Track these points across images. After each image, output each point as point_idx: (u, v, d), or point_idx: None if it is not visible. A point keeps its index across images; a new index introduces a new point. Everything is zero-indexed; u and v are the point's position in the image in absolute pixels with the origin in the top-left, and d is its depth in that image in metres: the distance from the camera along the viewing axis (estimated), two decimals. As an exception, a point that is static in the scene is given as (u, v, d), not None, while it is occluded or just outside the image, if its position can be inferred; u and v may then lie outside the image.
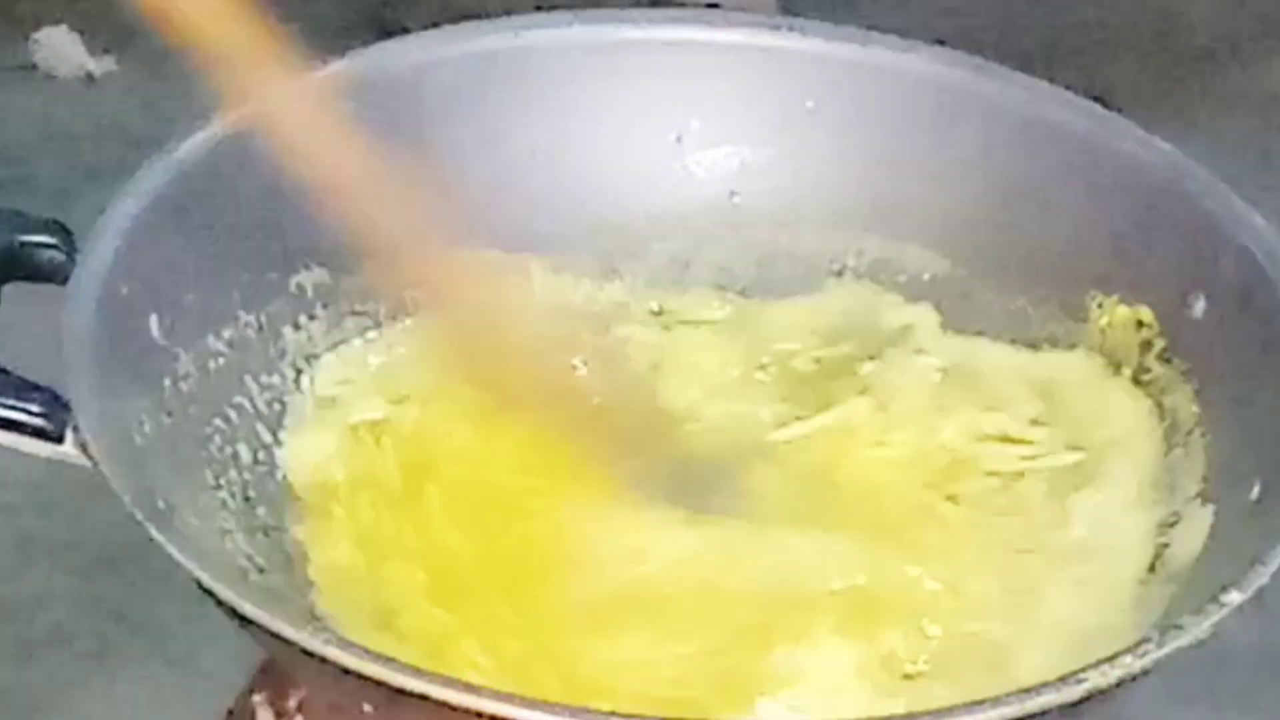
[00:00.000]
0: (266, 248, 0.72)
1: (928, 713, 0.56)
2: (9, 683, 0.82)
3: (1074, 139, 0.75)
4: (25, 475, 0.85)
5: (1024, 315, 0.75)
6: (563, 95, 0.77)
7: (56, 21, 1.21)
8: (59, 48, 1.21)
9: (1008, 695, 0.56)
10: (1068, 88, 0.77)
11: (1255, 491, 0.64)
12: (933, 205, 0.77)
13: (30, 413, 0.62)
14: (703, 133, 0.78)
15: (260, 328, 0.71)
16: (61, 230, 0.68)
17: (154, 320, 0.67)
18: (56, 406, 0.62)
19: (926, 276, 0.77)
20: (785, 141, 0.78)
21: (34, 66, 1.20)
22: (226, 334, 0.70)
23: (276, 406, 0.71)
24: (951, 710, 0.56)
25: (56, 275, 0.67)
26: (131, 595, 0.84)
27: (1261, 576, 0.59)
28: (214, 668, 0.74)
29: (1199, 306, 0.70)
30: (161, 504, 0.60)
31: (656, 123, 0.78)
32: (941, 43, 0.78)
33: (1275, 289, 0.68)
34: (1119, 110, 0.75)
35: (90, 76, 1.19)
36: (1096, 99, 0.76)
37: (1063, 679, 0.56)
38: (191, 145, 0.71)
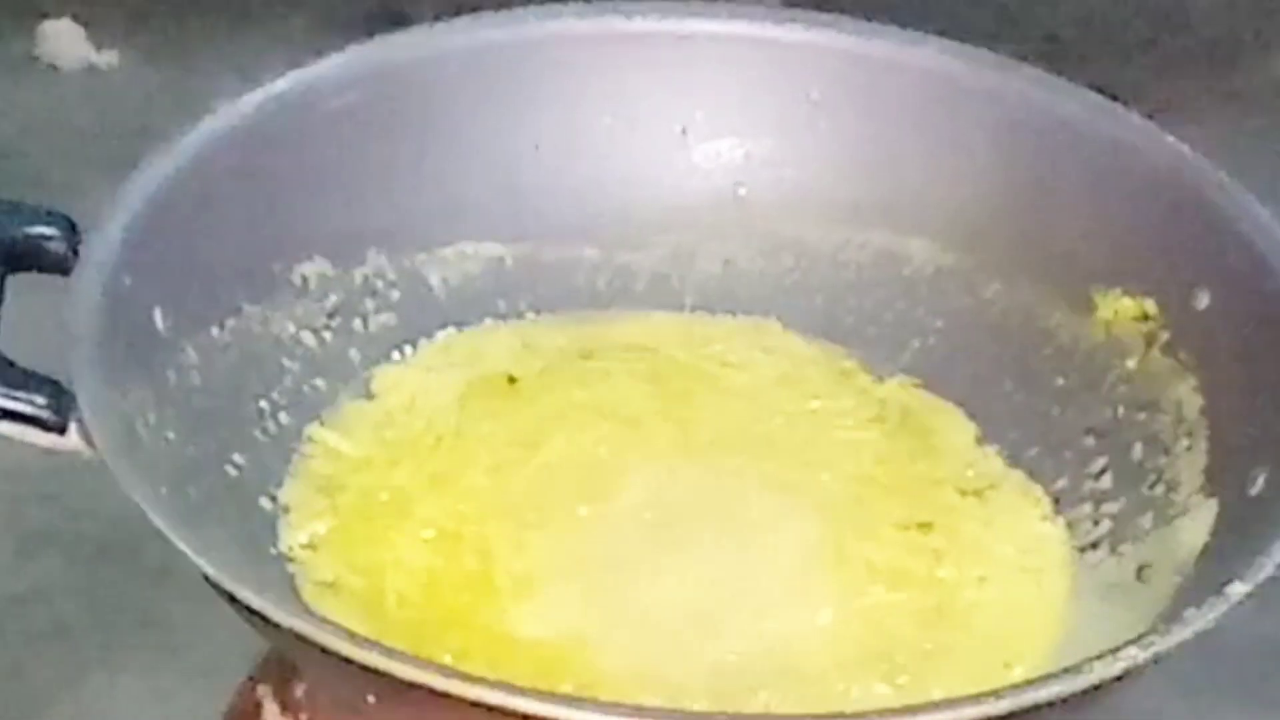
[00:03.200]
0: (270, 239, 0.72)
1: (931, 705, 0.56)
2: (11, 676, 0.82)
3: (1079, 131, 0.75)
4: (27, 468, 0.85)
5: (1028, 309, 0.75)
6: (567, 87, 0.77)
7: (60, 14, 1.21)
8: (62, 40, 1.21)
9: (1011, 687, 0.56)
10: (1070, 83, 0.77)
11: (1259, 484, 0.64)
12: (937, 198, 0.76)
13: (34, 404, 0.62)
14: (707, 125, 0.78)
15: (265, 319, 0.72)
16: (65, 222, 0.68)
17: (158, 312, 0.67)
18: (60, 398, 0.62)
19: (931, 269, 0.77)
20: (790, 134, 0.78)
21: (37, 58, 1.19)
22: (230, 325, 0.70)
23: (283, 398, 0.71)
24: (954, 703, 0.56)
25: (60, 267, 0.67)
26: (135, 588, 0.84)
27: (1265, 568, 0.59)
28: (218, 661, 0.74)
29: (1203, 299, 0.70)
30: (165, 494, 0.60)
31: (661, 115, 0.78)
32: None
33: (1278, 281, 0.68)
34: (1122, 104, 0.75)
35: (94, 68, 1.19)
36: (1099, 92, 0.76)
37: (1067, 670, 0.56)
38: (196, 137, 0.71)
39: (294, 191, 0.73)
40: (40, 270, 0.68)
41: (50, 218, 0.68)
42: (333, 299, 0.74)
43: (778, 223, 0.78)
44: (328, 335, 0.73)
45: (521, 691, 0.53)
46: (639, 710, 0.54)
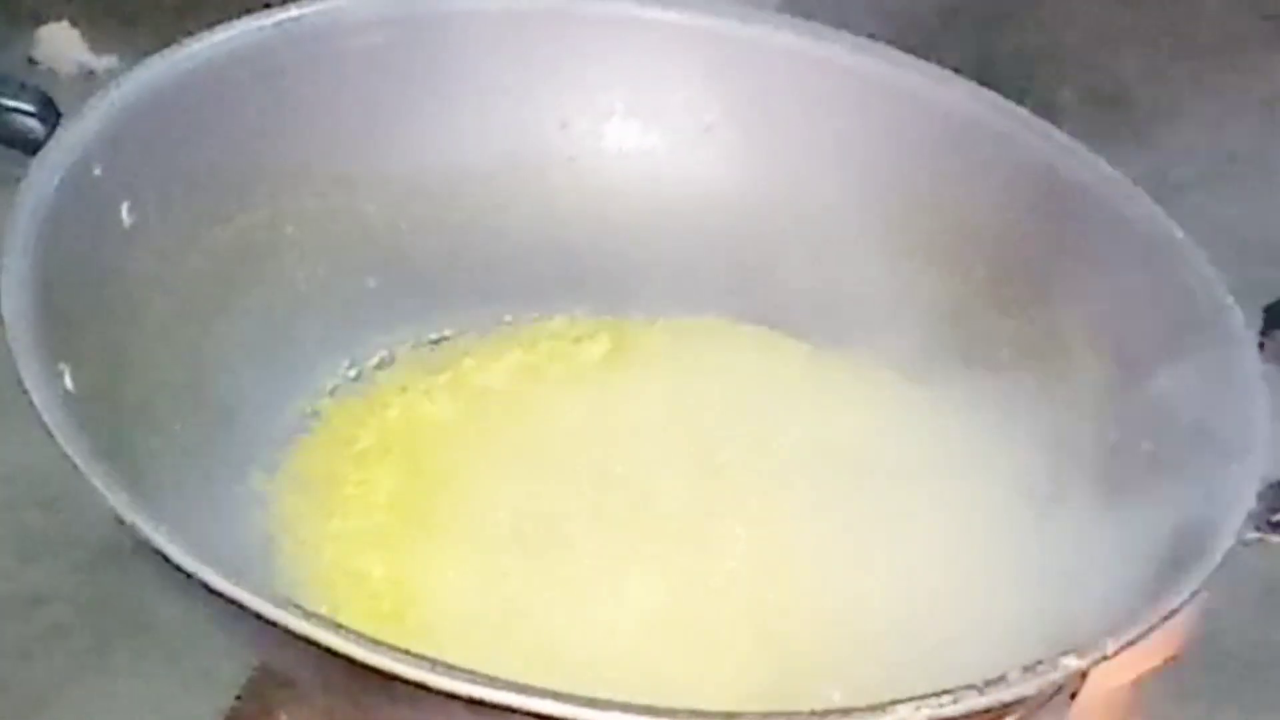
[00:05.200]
0: (257, 162, 0.71)
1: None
2: (9, 680, 0.82)
3: (1079, 197, 0.74)
4: (26, 470, 0.85)
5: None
6: (598, 67, 0.77)
7: (58, 18, 1.22)
8: (60, 44, 1.21)
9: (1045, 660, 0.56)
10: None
11: None
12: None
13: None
14: (729, 123, 0.78)
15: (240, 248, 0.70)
16: (44, 100, 0.66)
17: (125, 206, 0.66)
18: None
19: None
20: (800, 149, 0.78)
21: (35, 63, 1.20)
22: (208, 242, 0.69)
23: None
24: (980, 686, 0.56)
25: (31, 144, 0.65)
26: (132, 592, 0.84)
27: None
28: (215, 665, 0.74)
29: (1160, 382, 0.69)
30: (68, 380, 0.59)
31: (683, 109, 0.78)
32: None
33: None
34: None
35: (91, 73, 1.20)
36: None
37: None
38: (205, 45, 0.70)
39: (290, 120, 0.72)
40: (10, 145, 0.66)
41: (28, 92, 0.66)
42: (309, 242, 0.72)
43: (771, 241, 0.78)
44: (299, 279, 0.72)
45: (525, 690, 0.53)
46: (641, 709, 0.54)
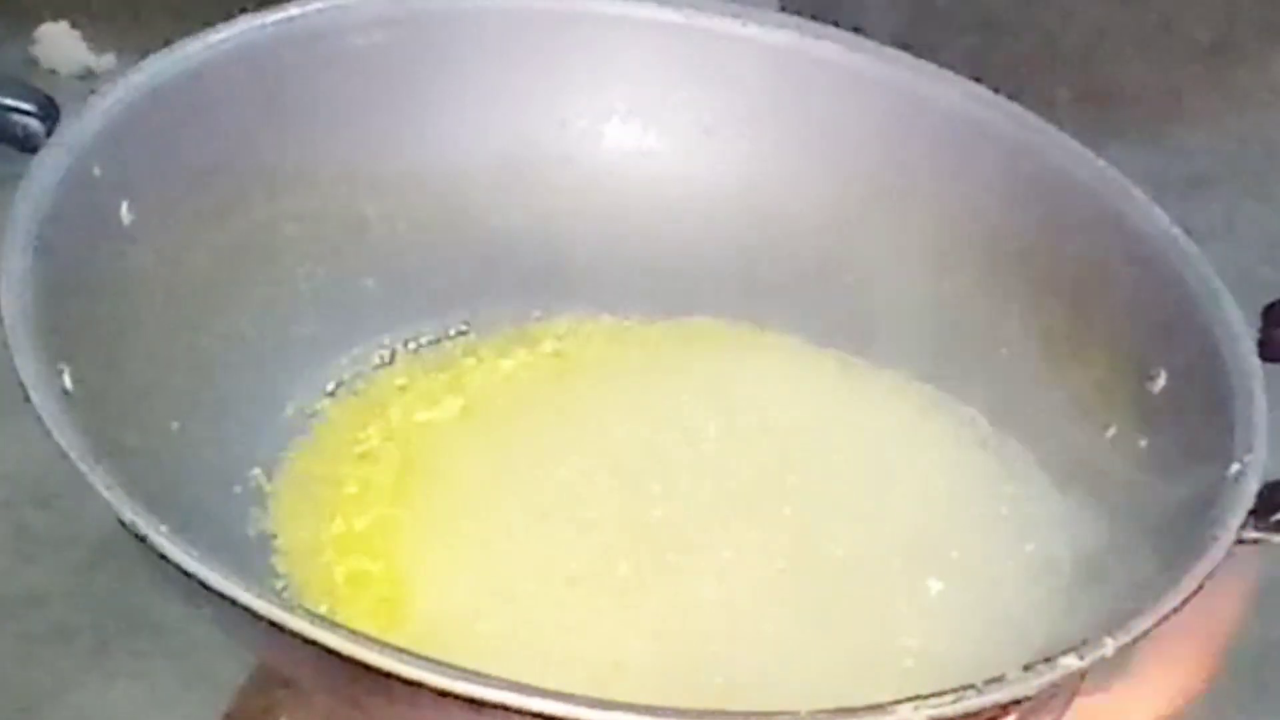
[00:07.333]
0: (257, 162, 0.71)
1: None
2: (9, 679, 0.82)
3: (1077, 196, 0.74)
4: (24, 469, 0.85)
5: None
6: (598, 67, 0.77)
7: (57, 18, 1.22)
8: (60, 44, 1.21)
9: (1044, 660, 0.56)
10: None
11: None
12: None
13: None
14: (726, 121, 0.78)
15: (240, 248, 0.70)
16: (44, 100, 0.66)
17: (125, 206, 0.66)
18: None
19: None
20: (800, 149, 0.78)
21: (35, 63, 1.20)
22: (208, 241, 0.69)
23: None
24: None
25: (32, 145, 0.65)
26: (131, 591, 0.84)
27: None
28: (215, 664, 0.74)
29: (1159, 381, 0.69)
30: (67, 380, 0.59)
31: (681, 109, 0.78)
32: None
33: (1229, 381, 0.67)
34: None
35: (91, 73, 1.20)
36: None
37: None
38: (204, 44, 0.70)
39: (290, 120, 0.72)
40: (10, 145, 0.66)
41: (27, 92, 0.66)
42: (309, 242, 0.72)
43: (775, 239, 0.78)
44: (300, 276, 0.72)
45: (525, 690, 0.53)
46: (642, 709, 0.54)
